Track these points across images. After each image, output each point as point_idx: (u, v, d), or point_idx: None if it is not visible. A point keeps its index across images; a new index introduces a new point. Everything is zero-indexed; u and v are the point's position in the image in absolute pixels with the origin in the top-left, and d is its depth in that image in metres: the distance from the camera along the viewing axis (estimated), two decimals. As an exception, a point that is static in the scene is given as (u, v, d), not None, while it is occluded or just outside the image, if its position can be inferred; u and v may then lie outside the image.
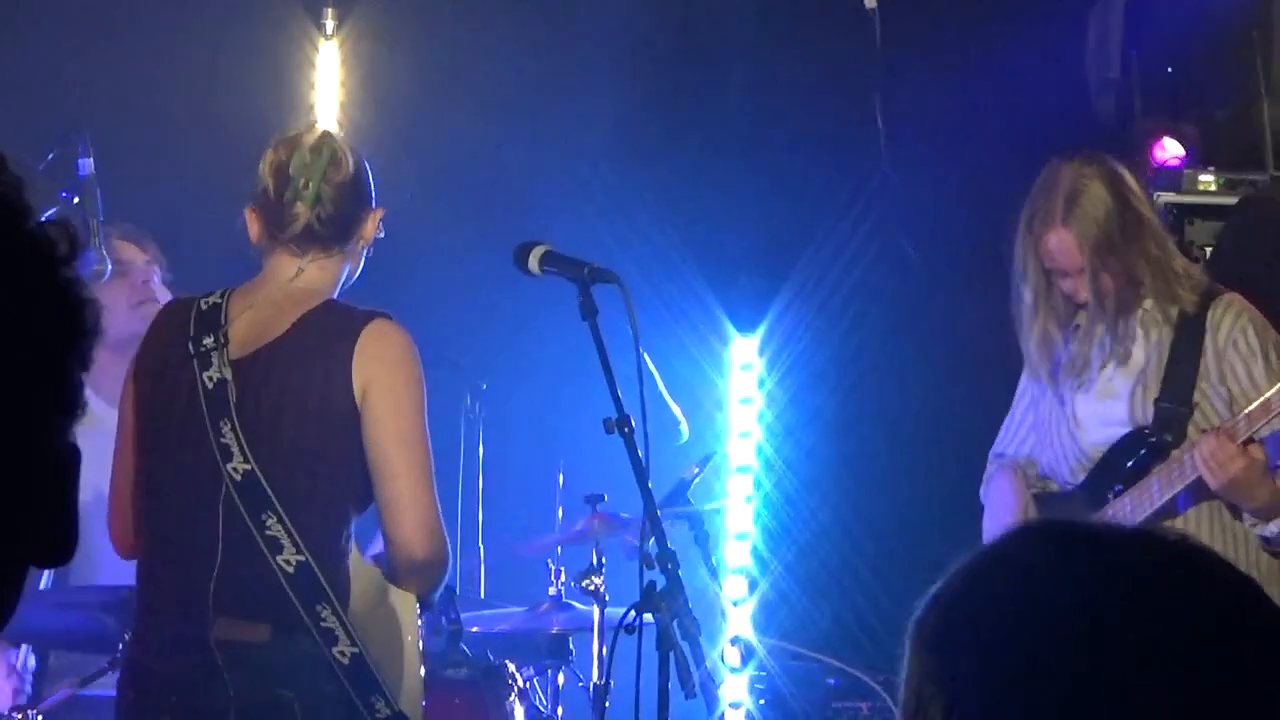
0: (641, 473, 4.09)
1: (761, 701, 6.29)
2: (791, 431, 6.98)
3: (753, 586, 6.86)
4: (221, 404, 4.15)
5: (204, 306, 4.26)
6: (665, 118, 7.00)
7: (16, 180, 1.31)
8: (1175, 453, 4.87)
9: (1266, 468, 4.74)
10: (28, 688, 5.20)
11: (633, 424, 4.08)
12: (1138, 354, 4.97)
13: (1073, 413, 5.03)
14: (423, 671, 4.26)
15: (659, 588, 4.00)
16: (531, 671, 5.36)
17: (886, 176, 6.91)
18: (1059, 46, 6.80)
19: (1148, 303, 4.94)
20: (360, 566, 4.20)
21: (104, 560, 5.18)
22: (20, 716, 4.79)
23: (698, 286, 6.88)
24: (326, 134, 4.44)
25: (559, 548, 5.78)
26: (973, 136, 6.64)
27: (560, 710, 5.37)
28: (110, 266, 5.24)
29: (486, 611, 5.67)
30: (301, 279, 4.28)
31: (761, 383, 7.01)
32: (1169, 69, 6.36)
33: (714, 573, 5.27)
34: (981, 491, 5.30)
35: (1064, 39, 6.81)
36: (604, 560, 5.30)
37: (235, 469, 4.11)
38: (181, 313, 4.30)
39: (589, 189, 6.64)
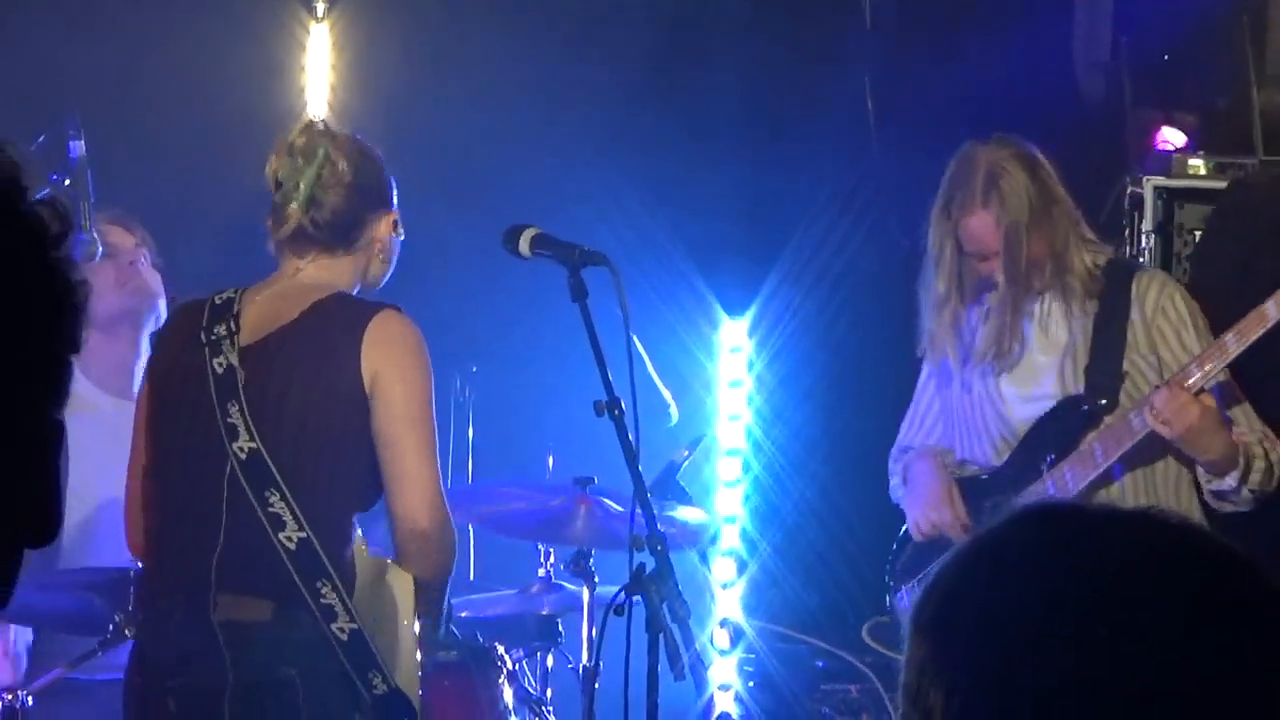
0: (631, 455, 4.11)
1: (750, 683, 6.30)
2: (780, 414, 6.98)
3: (742, 568, 6.86)
4: (230, 386, 4.21)
5: (218, 301, 4.35)
6: (654, 99, 6.99)
7: (12, 162, 1.32)
8: (1109, 419, 4.87)
9: (1220, 417, 4.75)
10: (24, 665, 5.20)
11: (623, 406, 4.09)
12: (1058, 331, 4.99)
13: (996, 392, 5.03)
14: (419, 656, 4.28)
15: (648, 570, 4.01)
16: (521, 653, 5.36)
17: (876, 159, 6.91)
18: (1049, 29, 6.80)
19: (1067, 279, 4.96)
20: (364, 558, 4.23)
21: (92, 546, 5.18)
22: (10, 697, 4.78)
23: (687, 270, 6.87)
24: (324, 135, 4.43)
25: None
26: (962, 120, 6.63)
27: (550, 692, 5.37)
28: (101, 249, 5.23)
29: (476, 595, 5.67)
30: (305, 275, 4.34)
31: (751, 365, 7.01)
32: (1164, 56, 6.35)
33: (704, 558, 5.27)
34: (892, 488, 5.27)
35: (1054, 22, 6.81)
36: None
37: (241, 447, 4.16)
38: (195, 309, 4.38)
39: (578, 171, 6.63)
